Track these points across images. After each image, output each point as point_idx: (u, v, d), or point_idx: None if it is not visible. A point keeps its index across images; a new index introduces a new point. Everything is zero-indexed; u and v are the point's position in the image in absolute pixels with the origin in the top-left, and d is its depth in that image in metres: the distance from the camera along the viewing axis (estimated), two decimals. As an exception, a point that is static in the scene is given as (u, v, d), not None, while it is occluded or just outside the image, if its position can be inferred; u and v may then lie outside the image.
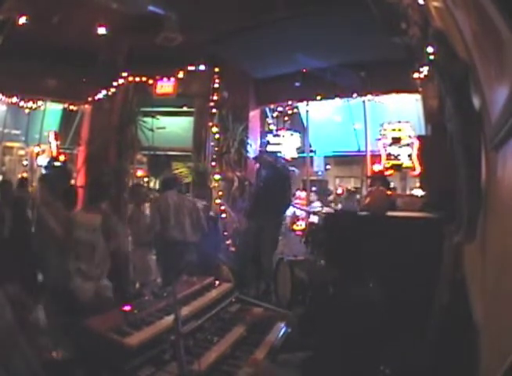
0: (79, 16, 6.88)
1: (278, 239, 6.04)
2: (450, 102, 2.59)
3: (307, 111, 8.99)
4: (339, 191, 9.83)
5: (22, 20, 6.58)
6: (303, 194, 8.68)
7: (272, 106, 9.27)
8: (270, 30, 6.36)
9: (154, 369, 1.93)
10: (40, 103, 9.43)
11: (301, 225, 7.71)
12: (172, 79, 8.57)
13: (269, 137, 8.89)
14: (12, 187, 5.99)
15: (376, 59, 6.66)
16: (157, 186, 5.35)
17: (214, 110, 8.37)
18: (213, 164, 8.27)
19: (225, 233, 7.24)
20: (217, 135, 8.29)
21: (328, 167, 10.79)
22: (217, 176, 8.05)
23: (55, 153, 9.14)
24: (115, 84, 8.69)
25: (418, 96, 6.13)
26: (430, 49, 3.32)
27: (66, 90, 8.93)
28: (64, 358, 2.14)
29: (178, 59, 8.02)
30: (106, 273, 3.87)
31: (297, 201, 8.30)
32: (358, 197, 8.48)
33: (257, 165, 6.01)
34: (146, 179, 9.18)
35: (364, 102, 8.16)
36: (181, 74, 8.46)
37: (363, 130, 8.57)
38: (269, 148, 8.43)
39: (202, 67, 8.37)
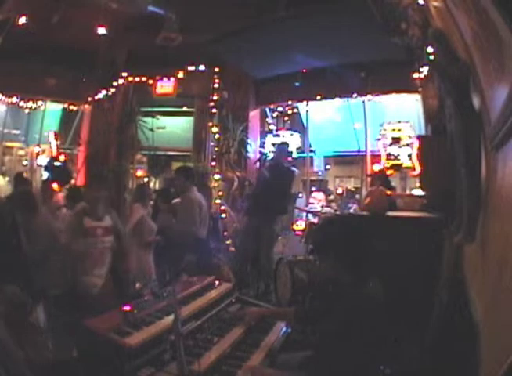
0: (79, 16, 6.89)
1: (275, 238, 6.01)
2: (450, 102, 2.60)
3: (307, 111, 8.98)
4: (339, 191, 9.79)
5: (22, 20, 6.59)
6: (319, 195, 8.30)
7: (271, 106, 9.26)
8: (270, 30, 6.36)
9: (154, 369, 1.93)
10: (40, 102, 9.42)
11: (300, 225, 7.68)
12: (172, 79, 8.59)
13: (270, 137, 8.88)
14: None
15: (376, 59, 6.66)
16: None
17: (214, 110, 8.38)
18: (213, 164, 8.28)
19: (225, 233, 7.24)
20: (217, 135, 8.30)
21: (328, 167, 10.77)
22: (217, 176, 8.05)
23: (55, 153, 9.13)
24: (115, 84, 8.70)
25: (418, 96, 6.14)
26: (430, 49, 3.32)
27: (66, 90, 8.95)
28: (64, 358, 2.14)
29: (178, 59, 8.04)
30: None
31: (314, 202, 8.09)
32: (357, 196, 8.45)
33: (259, 163, 5.92)
34: (145, 179, 9.20)
35: (364, 102, 8.15)
36: (181, 74, 8.47)
37: (363, 130, 8.55)
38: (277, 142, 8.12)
39: (202, 67, 8.39)
